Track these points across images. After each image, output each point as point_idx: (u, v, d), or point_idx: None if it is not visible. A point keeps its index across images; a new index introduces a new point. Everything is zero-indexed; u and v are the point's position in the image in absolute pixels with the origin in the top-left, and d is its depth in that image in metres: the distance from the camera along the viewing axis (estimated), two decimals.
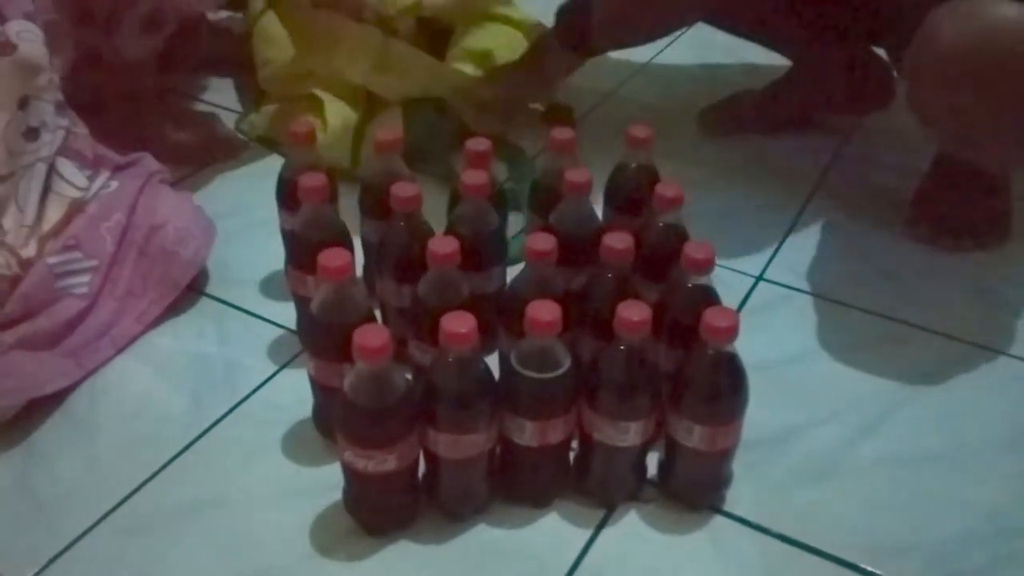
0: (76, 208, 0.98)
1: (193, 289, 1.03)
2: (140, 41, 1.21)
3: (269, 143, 1.28)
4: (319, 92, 1.23)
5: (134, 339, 0.97)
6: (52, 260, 0.95)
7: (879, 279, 1.09)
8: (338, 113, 1.21)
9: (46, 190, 0.96)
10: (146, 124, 1.24)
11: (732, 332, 0.73)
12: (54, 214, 0.96)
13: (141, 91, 1.25)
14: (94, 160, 1.01)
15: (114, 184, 1.01)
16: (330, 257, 0.76)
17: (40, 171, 0.95)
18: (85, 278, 0.96)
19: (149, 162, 1.06)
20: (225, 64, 1.47)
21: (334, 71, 1.24)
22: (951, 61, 0.90)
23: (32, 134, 0.95)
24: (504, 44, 1.32)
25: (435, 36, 1.34)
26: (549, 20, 1.26)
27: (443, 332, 0.71)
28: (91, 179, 1.00)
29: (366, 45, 1.24)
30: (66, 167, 0.98)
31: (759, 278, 1.09)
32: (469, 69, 1.28)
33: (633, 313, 0.73)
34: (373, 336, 0.69)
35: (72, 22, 1.14)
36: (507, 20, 1.36)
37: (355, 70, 1.24)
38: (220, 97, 1.42)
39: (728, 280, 1.07)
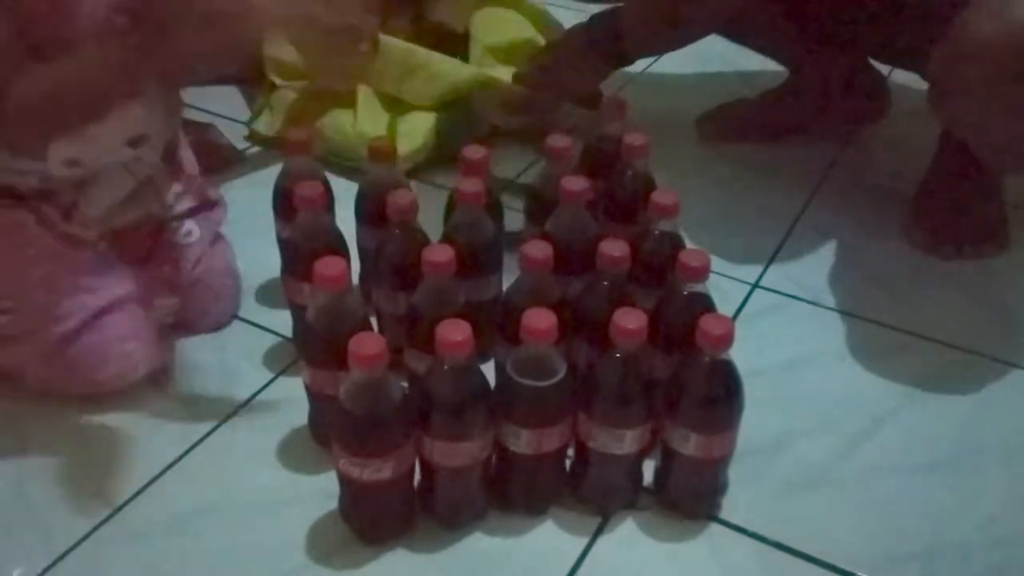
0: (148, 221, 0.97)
1: None
2: None
3: (268, 143, 1.31)
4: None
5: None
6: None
7: (875, 287, 1.09)
8: (369, 107, 1.25)
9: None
10: None
11: (727, 340, 0.73)
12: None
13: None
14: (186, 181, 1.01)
15: (196, 232, 1.00)
16: (326, 266, 0.76)
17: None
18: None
19: (220, 212, 1.06)
20: (226, 74, 1.47)
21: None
22: (987, 58, 0.89)
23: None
24: (516, 31, 1.36)
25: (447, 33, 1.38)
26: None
27: (439, 340, 0.71)
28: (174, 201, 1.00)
29: (388, 57, 1.26)
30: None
31: (755, 285, 1.09)
32: (502, 72, 1.29)
33: (629, 321, 0.73)
34: (368, 344, 0.69)
35: None
36: (515, 4, 1.39)
37: (382, 80, 1.27)
38: (220, 107, 1.42)
39: (724, 287, 1.07)
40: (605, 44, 1.19)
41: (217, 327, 1.01)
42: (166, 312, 0.96)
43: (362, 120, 1.25)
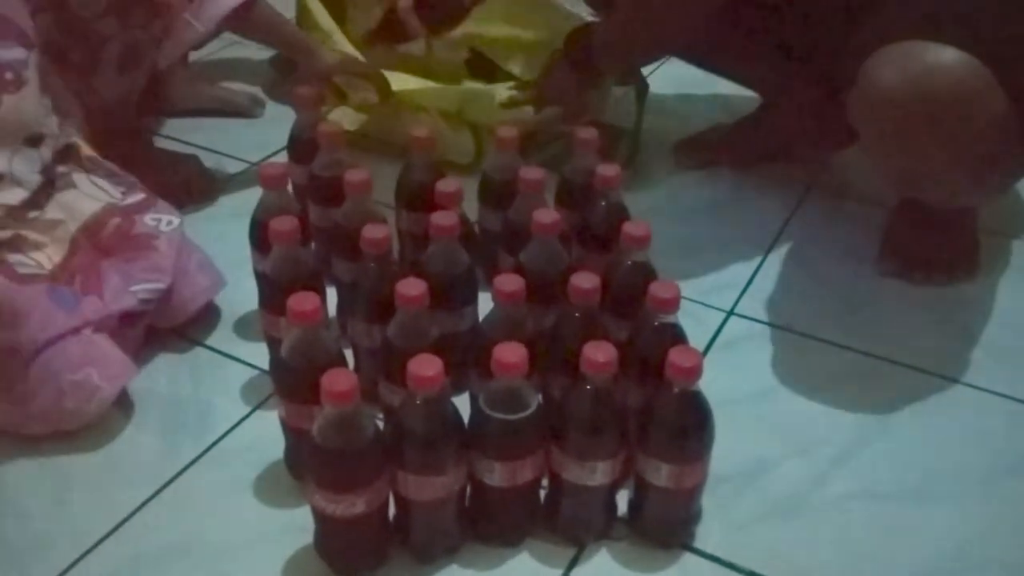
0: (110, 212, 0.99)
1: (188, 337, 1.04)
2: (117, 80, 1.22)
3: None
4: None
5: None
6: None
7: (850, 313, 1.10)
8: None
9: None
10: (122, 164, 1.25)
11: (696, 372, 0.74)
12: (87, 208, 0.98)
13: (118, 131, 1.26)
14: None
15: (165, 220, 1.04)
16: (299, 301, 0.76)
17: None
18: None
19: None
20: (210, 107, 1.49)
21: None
22: (890, 106, 0.93)
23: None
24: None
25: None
26: None
27: (410, 375, 0.71)
28: (124, 194, 1.02)
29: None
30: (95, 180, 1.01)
31: (730, 312, 1.10)
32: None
33: (598, 354, 0.73)
34: (340, 381, 0.70)
35: (54, 62, 1.15)
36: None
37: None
38: (201, 138, 1.43)
39: (699, 314, 1.08)
40: (581, 58, 1.21)
41: (203, 302, 1.03)
42: (149, 297, 0.97)
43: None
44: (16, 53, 0.96)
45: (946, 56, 0.91)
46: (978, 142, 0.93)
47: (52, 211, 0.96)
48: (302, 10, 1.47)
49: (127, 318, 0.96)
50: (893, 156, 0.97)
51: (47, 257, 0.94)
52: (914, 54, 0.92)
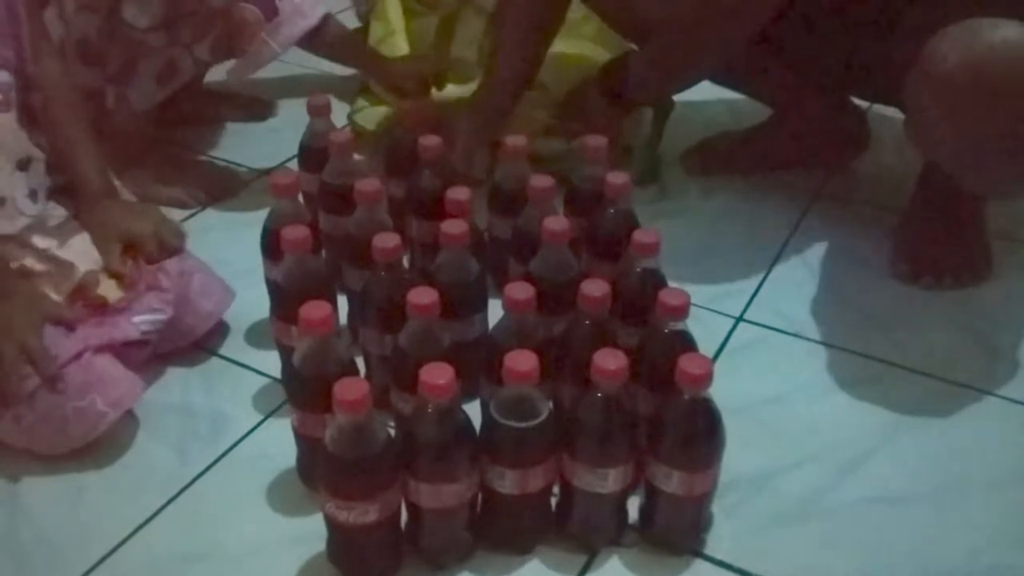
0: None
1: (200, 346, 1.04)
2: (153, 91, 1.24)
3: (377, 137, 1.39)
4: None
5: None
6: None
7: (859, 318, 1.10)
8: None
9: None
10: (141, 170, 1.26)
11: (706, 379, 0.74)
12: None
13: (139, 139, 1.27)
14: None
15: None
16: (311, 310, 0.77)
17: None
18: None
19: None
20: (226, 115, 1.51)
21: None
22: (956, 84, 0.91)
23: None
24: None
25: None
26: None
27: (422, 383, 0.72)
28: None
29: None
30: None
31: (739, 319, 1.10)
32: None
33: (609, 362, 0.74)
34: (352, 389, 0.70)
35: (82, 61, 1.16)
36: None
37: None
38: (218, 148, 1.44)
39: (708, 321, 1.08)
40: (616, 89, 1.21)
41: (208, 326, 1.02)
42: (151, 328, 0.96)
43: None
44: (2, 76, 0.97)
45: (1011, 32, 0.89)
46: None
47: (65, 252, 0.96)
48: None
49: (129, 344, 0.95)
50: (953, 136, 0.95)
51: (53, 288, 0.94)
52: (979, 31, 0.90)
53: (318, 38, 1.34)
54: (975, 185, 1.06)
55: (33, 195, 0.97)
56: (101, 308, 0.93)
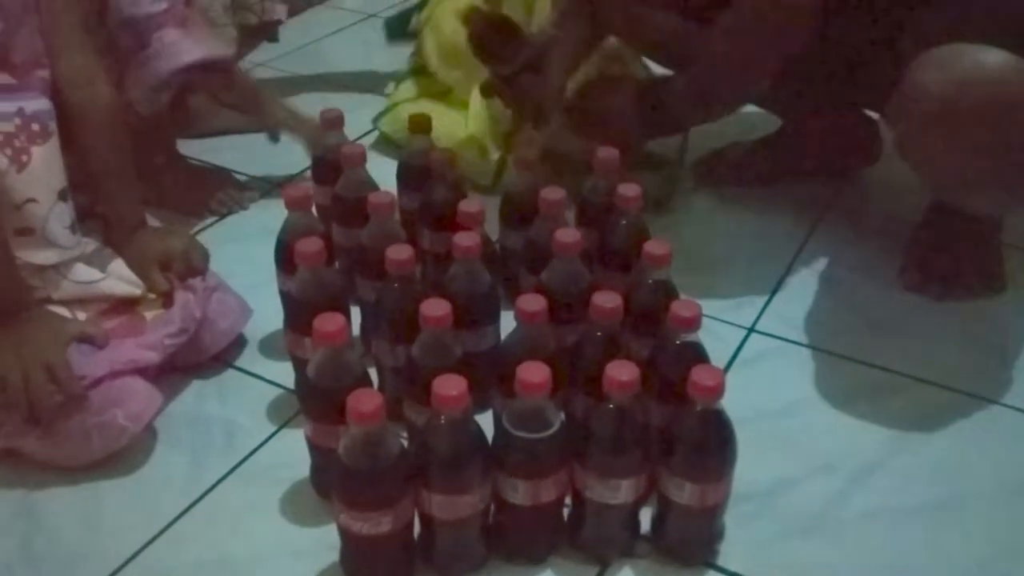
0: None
1: (215, 358, 1.05)
2: (154, 95, 1.23)
3: (394, 142, 1.42)
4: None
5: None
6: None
7: (871, 329, 1.10)
8: (478, 115, 1.35)
9: None
10: (155, 179, 1.27)
11: (718, 390, 0.74)
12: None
13: (150, 148, 1.28)
14: None
15: None
16: (324, 322, 0.77)
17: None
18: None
19: None
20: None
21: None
22: (936, 107, 0.92)
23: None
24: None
25: None
26: None
27: (434, 395, 0.72)
28: None
29: None
30: None
31: (751, 330, 1.10)
32: None
33: (621, 373, 0.74)
34: (365, 401, 0.71)
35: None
36: None
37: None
38: (231, 160, 1.44)
39: (720, 332, 1.08)
40: (651, 113, 1.20)
41: (224, 344, 1.03)
42: (172, 342, 0.97)
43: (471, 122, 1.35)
44: (41, 104, 0.97)
45: (991, 57, 0.90)
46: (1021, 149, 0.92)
47: (107, 284, 0.98)
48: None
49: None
50: (933, 160, 0.96)
51: (81, 309, 0.95)
52: (961, 56, 0.91)
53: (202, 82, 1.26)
54: (961, 203, 1.07)
55: (73, 227, 0.97)
56: (139, 327, 0.96)
